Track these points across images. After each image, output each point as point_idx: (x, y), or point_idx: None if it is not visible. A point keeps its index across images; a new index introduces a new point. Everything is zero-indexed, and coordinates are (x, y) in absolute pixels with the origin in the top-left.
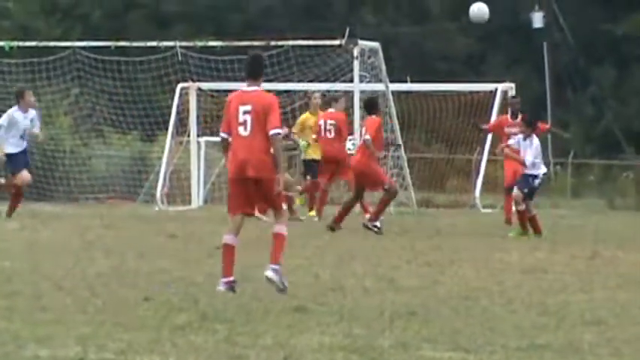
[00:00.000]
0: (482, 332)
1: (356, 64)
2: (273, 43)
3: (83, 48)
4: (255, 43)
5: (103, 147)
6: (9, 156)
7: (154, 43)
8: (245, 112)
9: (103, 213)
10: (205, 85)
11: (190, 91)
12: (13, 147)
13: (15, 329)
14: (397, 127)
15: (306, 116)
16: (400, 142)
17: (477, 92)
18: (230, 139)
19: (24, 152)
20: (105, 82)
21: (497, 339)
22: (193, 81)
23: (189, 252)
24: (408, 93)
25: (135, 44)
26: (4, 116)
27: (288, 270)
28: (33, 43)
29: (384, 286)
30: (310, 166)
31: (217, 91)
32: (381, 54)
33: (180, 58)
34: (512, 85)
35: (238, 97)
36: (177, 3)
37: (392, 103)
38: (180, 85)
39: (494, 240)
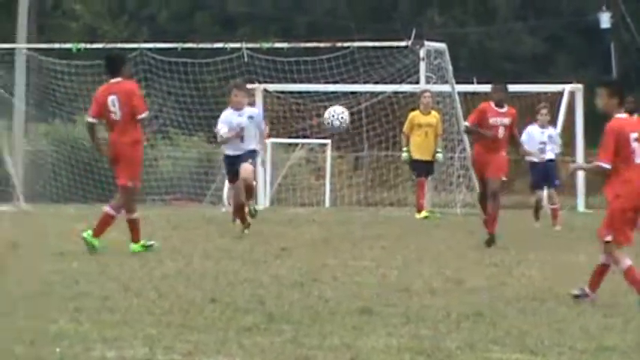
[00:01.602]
0: (550, 334)
1: (422, 65)
2: (339, 44)
3: (150, 49)
4: (321, 45)
5: (169, 148)
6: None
7: (220, 45)
8: None
9: (170, 214)
10: (271, 87)
11: (256, 92)
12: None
13: (83, 330)
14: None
15: (414, 114)
16: (467, 143)
17: (545, 93)
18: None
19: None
20: (171, 84)
21: (565, 341)
22: (259, 82)
23: (255, 253)
24: (474, 94)
25: (201, 46)
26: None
27: (355, 271)
28: (100, 45)
29: (451, 287)
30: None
31: (283, 92)
32: (447, 55)
33: (246, 60)
34: (580, 86)
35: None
36: (243, 4)
37: (458, 104)
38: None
39: (561, 241)
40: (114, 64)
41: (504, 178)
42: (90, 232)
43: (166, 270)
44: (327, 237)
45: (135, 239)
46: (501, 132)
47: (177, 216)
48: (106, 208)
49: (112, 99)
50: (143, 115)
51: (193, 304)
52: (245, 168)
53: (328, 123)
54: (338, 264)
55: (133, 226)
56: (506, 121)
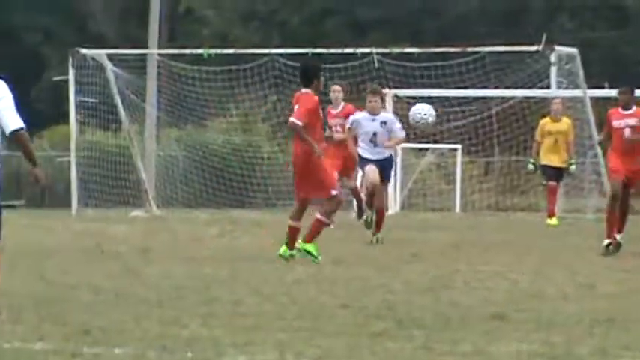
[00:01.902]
0: None
1: (553, 70)
2: (469, 49)
3: (281, 55)
4: (452, 50)
5: None
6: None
7: (350, 50)
8: None
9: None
10: (402, 92)
11: (387, 97)
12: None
13: (214, 335)
14: (595, 133)
15: (545, 121)
16: (598, 148)
17: None
18: None
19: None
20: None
21: None
22: (390, 88)
23: (386, 258)
24: (606, 99)
25: (331, 51)
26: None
27: (486, 276)
28: (231, 51)
29: (583, 293)
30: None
31: (414, 97)
32: (578, 60)
33: (376, 65)
34: None
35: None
36: (374, 9)
37: (589, 109)
38: None
39: None
40: (306, 74)
41: None
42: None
43: (298, 275)
44: (458, 242)
45: (308, 238)
46: (627, 133)
47: (307, 221)
48: (318, 216)
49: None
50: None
51: (324, 309)
52: (373, 170)
53: (412, 119)
54: (468, 269)
55: (315, 227)
56: (632, 121)
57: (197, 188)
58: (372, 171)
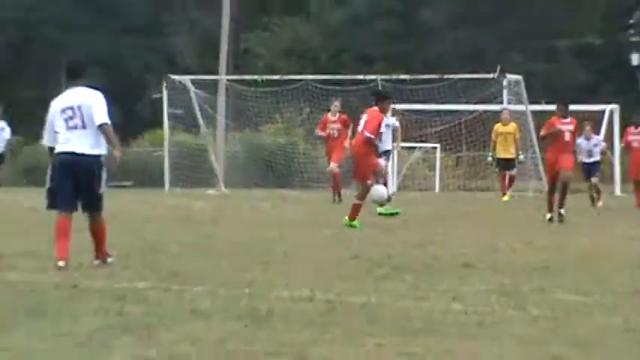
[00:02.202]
0: (599, 281)
1: (505, 91)
2: (445, 76)
3: (312, 80)
4: (433, 77)
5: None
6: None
7: (361, 77)
8: None
9: (328, 197)
10: (398, 106)
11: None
12: None
13: (268, 278)
14: (534, 137)
15: (497, 125)
16: (537, 148)
17: (590, 111)
18: None
19: None
20: (324, 105)
21: (610, 286)
22: (393, 103)
23: (387, 223)
24: (542, 112)
25: (348, 77)
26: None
27: (459, 236)
28: (277, 77)
29: (527, 247)
30: None
31: (407, 110)
32: (522, 84)
33: (380, 87)
34: (617, 106)
35: None
36: (379, 47)
37: (530, 119)
38: None
39: (604, 218)
40: (379, 96)
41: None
42: (347, 218)
43: (325, 236)
44: (437, 213)
45: (351, 217)
46: (567, 136)
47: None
48: (355, 201)
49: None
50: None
51: (342, 259)
52: (380, 162)
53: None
54: (445, 232)
55: (355, 208)
56: (571, 127)
57: (253, 174)
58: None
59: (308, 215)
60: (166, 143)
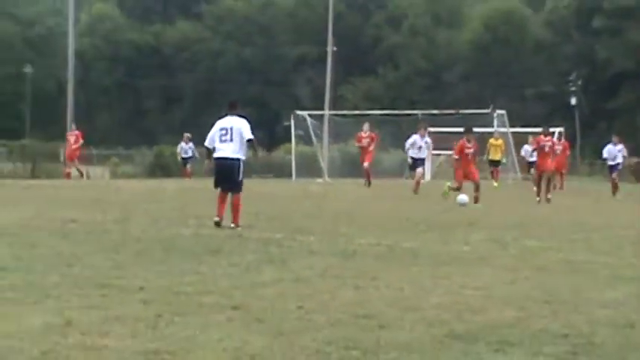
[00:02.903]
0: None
1: (495, 121)
2: (459, 111)
3: (378, 114)
4: (450, 112)
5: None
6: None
7: (408, 112)
8: None
9: (389, 184)
10: (431, 129)
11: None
12: None
13: (348, 232)
14: (513, 149)
15: (491, 140)
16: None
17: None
18: None
19: None
20: (391, 128)
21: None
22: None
23: (426, 200)
24: (521, 133)
25: (403, 112)
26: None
27: (468, 209)
28: (357, 112)
29: (509, 214)
30: None
31: (436, 132)
32: (506, 116)
33: (420, 118)
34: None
35: None
36: (420, 95)
37: (510, 138)
38: None
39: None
40: (467, 129)
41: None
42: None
43: (387, 206)
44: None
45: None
46: (547, 148)
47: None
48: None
49: None
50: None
51: (398, 220)
52: (419, 171)
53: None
54: (454, 205)
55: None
56: (549, 143)
57: (344, 169)
58: (421, 169)
59: (377, 194)
60: (293, 151)
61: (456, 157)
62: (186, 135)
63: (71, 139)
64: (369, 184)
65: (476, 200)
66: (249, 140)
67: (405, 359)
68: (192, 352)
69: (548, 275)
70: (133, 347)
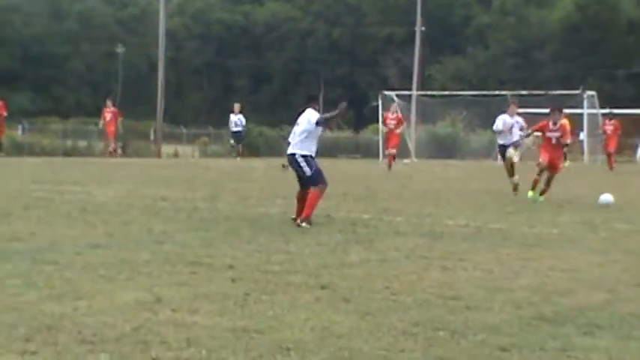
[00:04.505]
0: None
1: (585, 102)
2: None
3: (467, 95)
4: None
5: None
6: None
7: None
8: None
9: (474, 165)
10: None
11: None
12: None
13: (440, 212)
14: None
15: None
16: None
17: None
18: None
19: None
20: (478, 109)
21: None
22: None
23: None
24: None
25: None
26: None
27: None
28: (446, 92)
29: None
30: None
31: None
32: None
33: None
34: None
35: None
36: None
37: None
38: None
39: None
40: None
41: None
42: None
43: (474, 187)
44: None
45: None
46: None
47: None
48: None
49: None
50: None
51: (485, 202)
52: (509, 152)
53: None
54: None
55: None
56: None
57: (431, 150)
58: (509, 152)
59: (462, 176)
60: (381, 132)
61: (537, 133)
62: (236, 105)
63: (107, 116)
64: (389, 167)
65: (542, 192)
66: (316, 124)
67: (493, 341)
68: (280, 330)
69: (638, 258)
70: (221, 324)
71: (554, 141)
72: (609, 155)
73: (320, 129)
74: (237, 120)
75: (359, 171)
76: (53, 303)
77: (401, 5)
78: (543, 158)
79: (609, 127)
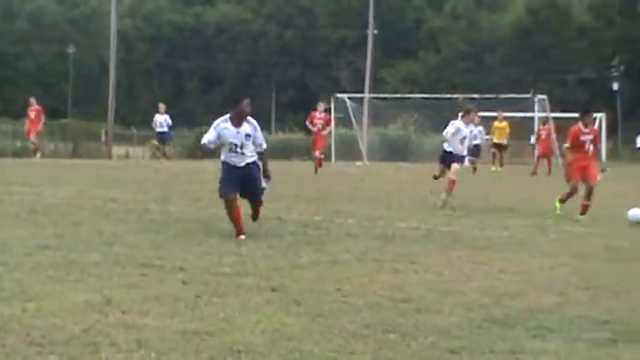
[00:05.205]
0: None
1: (536, 105)
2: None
3: (419, 98)
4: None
5: None
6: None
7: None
8: None
9: (427, 167)
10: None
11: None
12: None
13: (391, 214)
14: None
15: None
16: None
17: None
18: None
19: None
20: (430, 112)
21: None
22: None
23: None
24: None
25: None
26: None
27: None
28: (398, 95)
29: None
30: None
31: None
32: (547, 101)
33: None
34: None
35: None
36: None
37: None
38: None
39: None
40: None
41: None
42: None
43: (424, 190)
44: (484, 172)
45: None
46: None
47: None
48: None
49: None
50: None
51: (436, 205)
52: (454, 167)
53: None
54: (490, 190)
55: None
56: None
57: (382, 153)
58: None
59: (414, 178)
60: (333, 133)
61: (567, 145)
62: (161, 104)
63: (32, 114)
64: (316, 170)
65: (584, 210)
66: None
67: (443, 343)
68: (231, 333)
69: (588, 261)
70: (172, 327)
71: (587, 147)
72: (539, 159)
73: (229, 139)
74: (162, 120)
75: (310, 173)
76: (2, 304)
77: (353, 8)
78: (575, 173)
79: (543, 132)
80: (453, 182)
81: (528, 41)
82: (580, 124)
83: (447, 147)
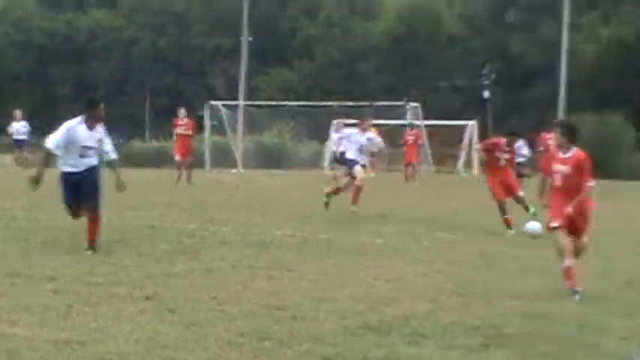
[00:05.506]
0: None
1: (408, 113)
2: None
3: (294, 105)
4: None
5: None
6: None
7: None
8: None
9: (304, 175)
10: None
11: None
12: None
13: (267, 222)
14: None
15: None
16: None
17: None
18: None
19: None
20: (306, 119)
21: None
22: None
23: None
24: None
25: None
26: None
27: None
28: (273, 103)
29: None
30: None
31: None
32: (420, 110)
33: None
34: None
35: None
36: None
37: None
38: None
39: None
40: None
41: None
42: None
43: (299, 197)
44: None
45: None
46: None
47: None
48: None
49: None
50: None
51: (313, 210)
52: (357, 170)
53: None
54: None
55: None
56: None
57: (258, 160)
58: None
59: (290, 185)
60: (207, 142)
61: (482, 150)
62: (18, 111)
63: None
64: (179, 178)
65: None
66: (113, 160)
67: (318, 350)
68: (104, 342)
69: (461, 268)
70: (42, 336)
71: (502, 162)
72: (407, 165)
73: (82, 143)
74: (20, 127)
75: (184, 181)
76: None
77: (228, 16)
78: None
79: (410, 138)
80: (358, 189)
81: (401, 49)
82: (503, 140)
83: (349, 155)
